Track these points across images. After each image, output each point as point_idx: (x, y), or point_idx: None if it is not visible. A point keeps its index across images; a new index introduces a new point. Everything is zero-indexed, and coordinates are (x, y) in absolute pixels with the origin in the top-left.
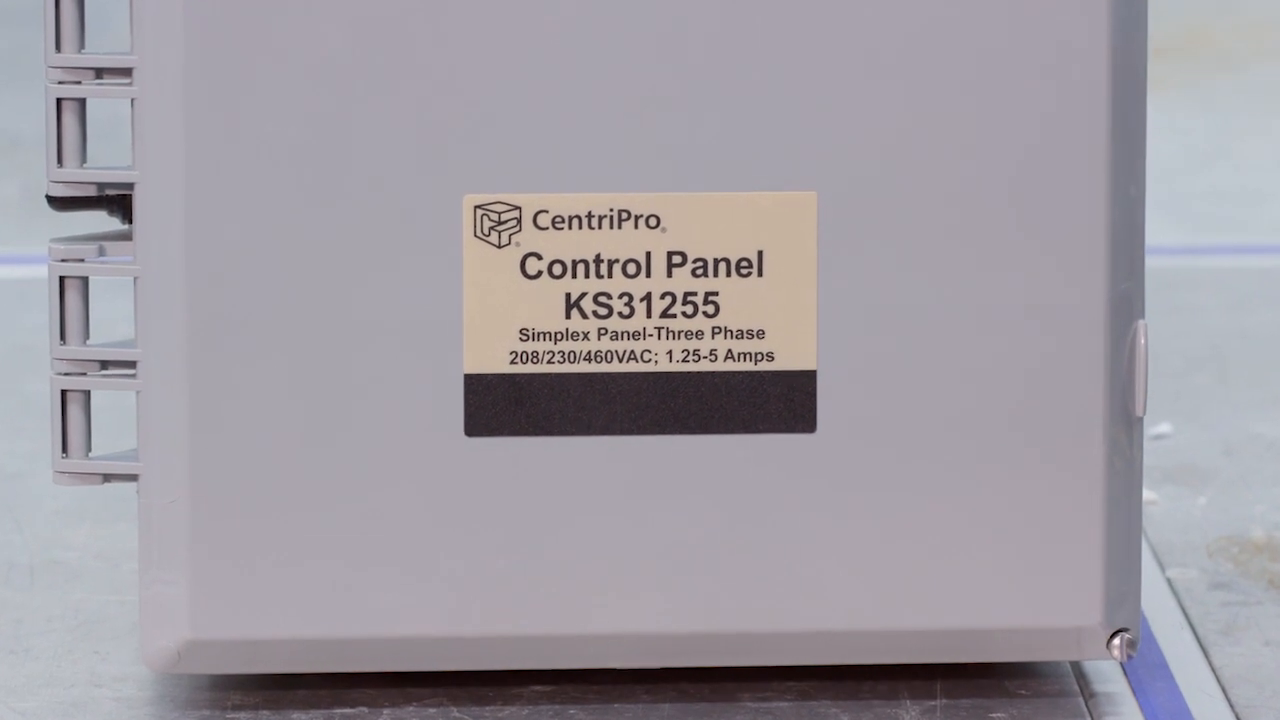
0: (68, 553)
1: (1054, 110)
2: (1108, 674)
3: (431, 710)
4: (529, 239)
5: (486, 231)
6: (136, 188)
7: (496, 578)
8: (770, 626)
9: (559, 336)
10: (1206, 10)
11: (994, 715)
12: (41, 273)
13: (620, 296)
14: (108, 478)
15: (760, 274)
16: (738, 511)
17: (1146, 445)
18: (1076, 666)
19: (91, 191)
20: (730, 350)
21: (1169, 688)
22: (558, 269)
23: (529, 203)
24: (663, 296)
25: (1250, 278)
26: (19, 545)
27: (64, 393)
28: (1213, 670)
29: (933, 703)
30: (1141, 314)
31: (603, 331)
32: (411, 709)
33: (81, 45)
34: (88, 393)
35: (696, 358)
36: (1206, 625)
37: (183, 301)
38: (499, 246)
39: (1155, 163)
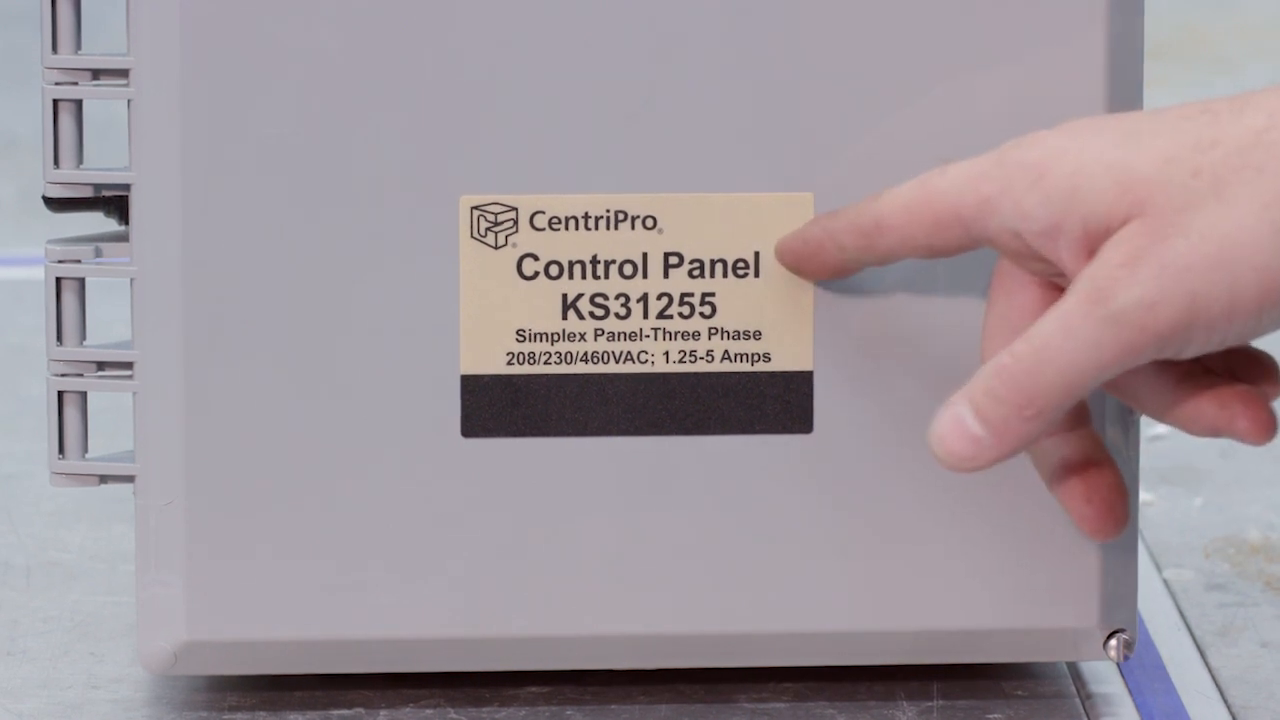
0: (64, 554)
1: (1052, 110)
2: (1104, 675)
3: (428, 711)
4: (525, 240)
5: (483, 232)
6: (133, 189)
7: (493, 579)
8: (767, 627)
9: (556, 337)
10: (1204, 11)
11: (990, 716)
12: (38, 274)
13: (617, 297)
14: (104, 479)
15: (757, 275)
16: (734, 512)
17: (1143, 446)
18: (1073, 667)
19: (88, 192)
20: (727, 351)
21: (1166, 689)
22: (554, 270)
23: (525, 203)
24: (659, 297)
25: None
26: (15, 546)
27: (60, 394)
28: (1209, 671)
29: (929, 704)
30: None
31: (599, 332)
32: (408, 710)
33: (78, 46)
34: (84, 394)
35: (693, 358)
36: (1203, 626)
37: (179, 303)
38: (495, 247)
39: None
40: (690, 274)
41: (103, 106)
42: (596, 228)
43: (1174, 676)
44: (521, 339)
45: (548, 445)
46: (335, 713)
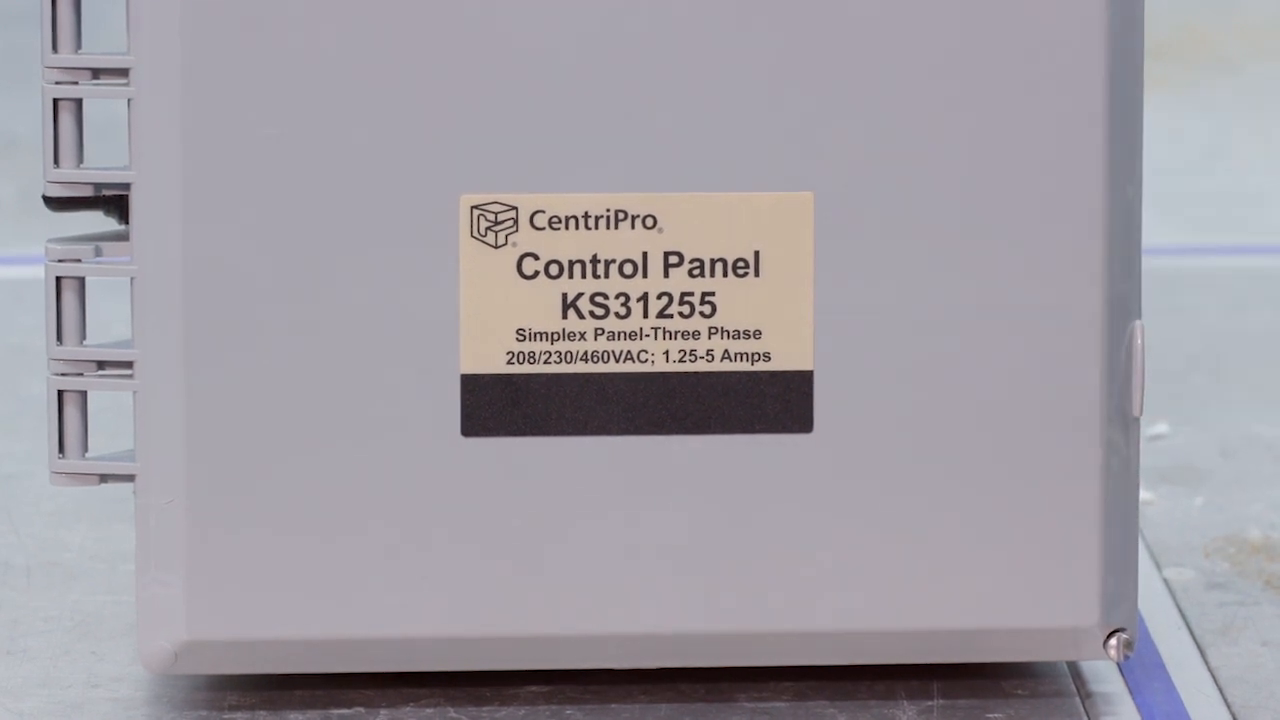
0: (64, 553)
1: (1051, 110)
2: (1104, 674)
3: (428, 710)
4: (525, 239)
5: (483, 231)
6: (133, 188)
7: (493, 578)
8: (767, 627)
9: (556, 337)
10: (1204, 11)
11: (991, 715)
12: (38, 273)
13: (617, 297)
14: (105, 478)
15: (757, 274)
16: (734, 512)
17: (1144, 445)
18: (1073, 666)
19: (88, 192)
20: (727, 350)
21: (1166, 688)
22: (554, 269)
23: (526, 203)
24: (659, 297)
25: (1248, 278)
26: (15, 546)
27: (61, 393)
28: (1209, 670)
29: (930, 703)
30: (1139, 314)
31: (599, 332)
32: (409, 709)
33: (78, 45)
34: (84, 393)
35: (693, 358)
36: (1203, 625)
37: (179, 302)
38: (495, 246)
39: (1151, 163)
40: (690, 273)
41: (103, 106)
42: (596, 227)
43: (1174, 676)
44: (521, 338)
45: (548, 444)
46: (335, 712)
